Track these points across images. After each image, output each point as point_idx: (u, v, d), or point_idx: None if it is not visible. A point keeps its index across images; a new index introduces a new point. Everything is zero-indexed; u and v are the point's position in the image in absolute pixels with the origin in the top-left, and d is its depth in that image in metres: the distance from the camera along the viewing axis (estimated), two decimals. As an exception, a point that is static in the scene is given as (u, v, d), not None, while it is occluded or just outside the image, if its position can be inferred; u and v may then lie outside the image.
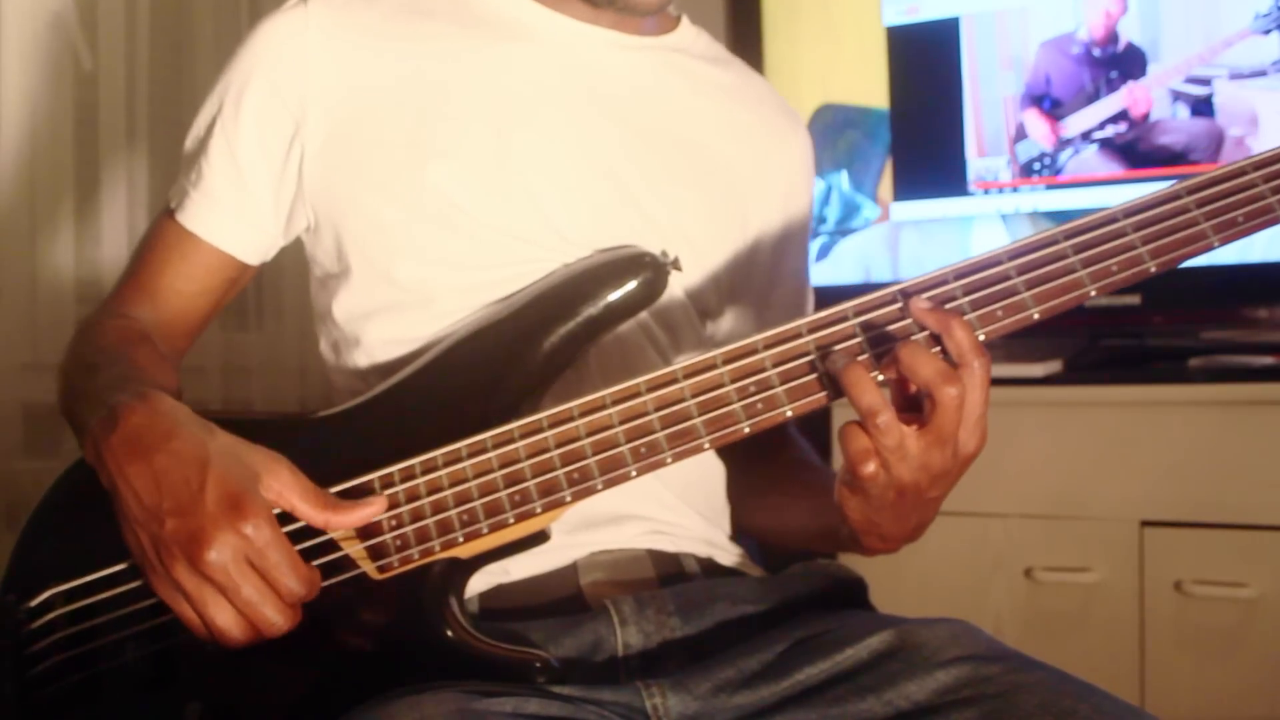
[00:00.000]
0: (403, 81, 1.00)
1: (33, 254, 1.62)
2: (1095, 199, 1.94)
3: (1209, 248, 0.85)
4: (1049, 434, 1.81)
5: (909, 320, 0.84)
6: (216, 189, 1.03)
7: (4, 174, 1.59)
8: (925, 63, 2.05)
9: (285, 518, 0.85)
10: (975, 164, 2.02)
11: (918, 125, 2.07)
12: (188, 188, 1.04)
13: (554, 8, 1.05)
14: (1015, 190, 2.00)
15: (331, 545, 0.87)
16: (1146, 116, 1.90)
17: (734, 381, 0.85)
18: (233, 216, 1.03)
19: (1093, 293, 0.84)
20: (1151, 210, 0.85)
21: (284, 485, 0.84)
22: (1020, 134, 1.99)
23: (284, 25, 1.01)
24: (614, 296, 0.92)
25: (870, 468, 0.81)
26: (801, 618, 0.92)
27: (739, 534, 1.10)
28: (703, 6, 2.29)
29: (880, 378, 0.83)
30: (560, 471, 0.86)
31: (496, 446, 0.87)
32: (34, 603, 0.90)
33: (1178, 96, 1.88)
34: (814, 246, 2.06)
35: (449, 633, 0.87)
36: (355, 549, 0.87)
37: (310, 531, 0.86)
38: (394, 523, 0.87)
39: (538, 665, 0.86)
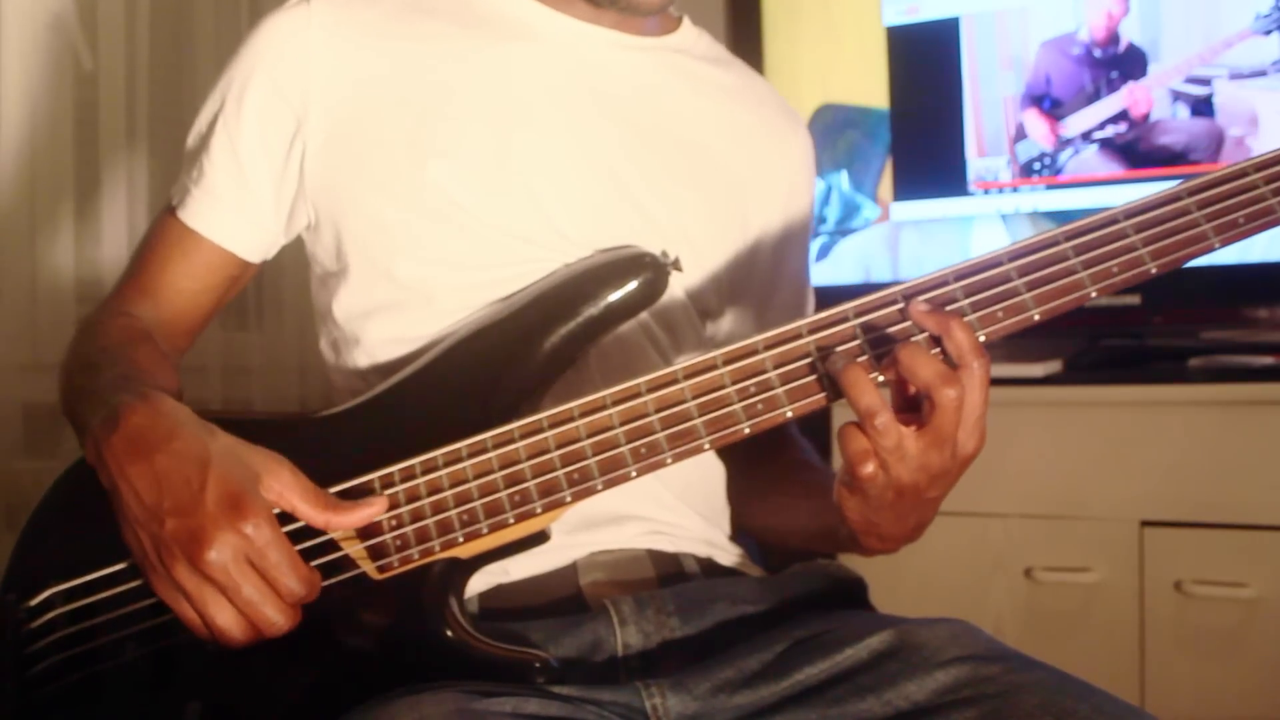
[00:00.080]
0: (404, 80, 1.00)
1: (33, 254, 1.62)
2: (1095, 199, 1.94)
3: (1210, 249, 0.85)
4: (1049, 434, 1.81)
5: (909, 322, 0.84)
6: (218, 186, 1.03)
7: (4, 174, 1.59)
8: (925, 63, 2.05)
9: (285, 518, 0.85)
10: (975, 164, 2.02)
11: (918, 125, 2.07)
12: (189, 185, 1.04)
13: (556, 7, 1.05)
14: (1015, 190, 2.00)
15: (331, 545, 0.87)
16: (1147, 117, 1.90)
17: (734, 382, 0.85)
18: (234, 214, 1.03)
19: (1093, 294, 0.84)
20: (1152, 211, 0.85)
21: (284, 485, 0.84)
22: (1020, 134, 1.99)
23: (286, 23, 1.01)
24: (614, 297, 0.92)
25: (869, 468, 0.81)
26: (801, 618, 0.92)
27: (739, 534, 1.10)
28: (703, 6, 2.29)
29: (880, 379, 0.83)
30: (560, 472, 0.86)
31: (497, 446, 0.87)
32: (34, 602, 0.90)
33: (1178, 96, 1.88)
34: (814, 246, 2.06)
35: (449, 633, 0.87)
36: (355, 549, 0.87)
37: (310, 531, 0.86)
38: (394, 523, 0.87)
39: (537, 665, 0.86)
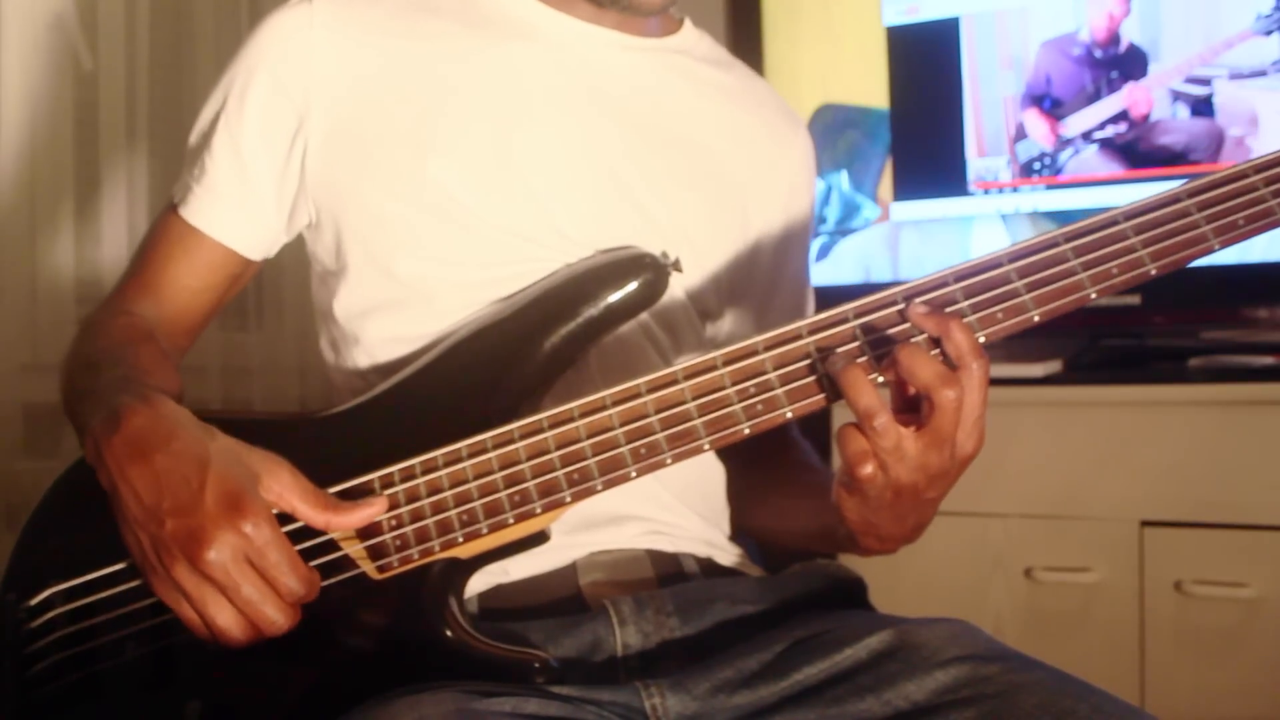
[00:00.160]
0: (406, 78, 1.01)
1: (33, 254, 1.61)
2: (1095, 199, 1.94)
3: (1209, 250, 0.85)
4: (1049, 434, 1.81)
5: (909, 323, 0.84)
6: (220, 184, 1.03)
7: (4, 174, 1.59)
8: (925, 63, 2.05)
9: (285, 518, 0.85)
10: (975, 164, 2.02)
11: (918, 125, 2.07)
12: (191, 183, 1.04)
13: (558, 7, 1.05)
14: (1015, 190, 2.00)
15: (331, 545, 0.87)
16: (1147, 117, 1.90)
17: (734, 383, 0.85)
18: (236, 211, 1.03)
19: (1093, 295, 0.84)
20: (1152, 213, 0.85)
21: (284, 486, 0.84)
22: (1020, 134, 1.99)
23: (289, 21, 1.02)
24: (614, 297, 0.92)
25: (868, 469, 0.81)
26: (800, 618, 0.92)
27: (738, 534, 1.10)
28: (703, 7, 2.29)
29: (880, 380, 0.83)
30: (560, 472, 0.86)
31: (497, 447, 0.87)
32: (34, 602, 0.90)
33: (1178, 96, 1.88)
34: (814, 246, 2.06)
35: (448, 633, 0.87)
36: (355, 549, 0.87)
37: (310, 532, 0.86)
38: (394, 523, 0.87)
39: (537, 665, 0.87)
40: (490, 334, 0.94)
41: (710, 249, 1.07)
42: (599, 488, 0.86)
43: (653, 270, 0.92)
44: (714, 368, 0.85)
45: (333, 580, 0.87)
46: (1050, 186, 1.98)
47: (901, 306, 0.84)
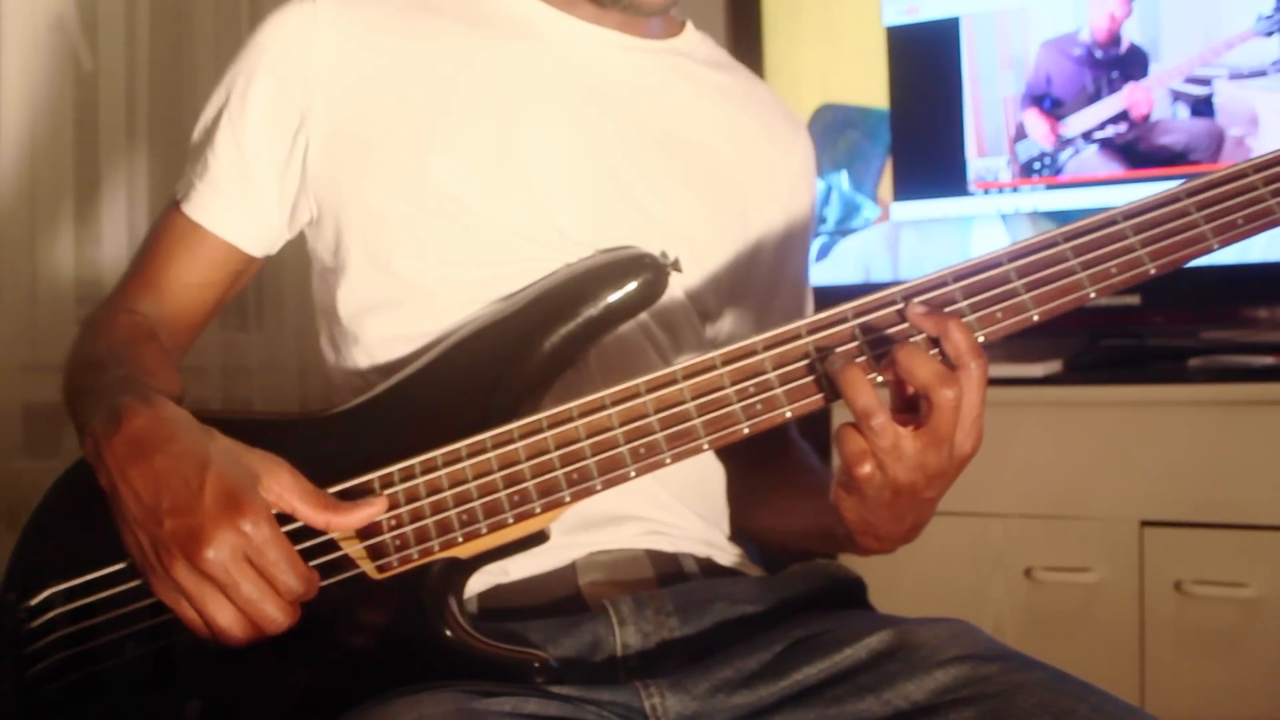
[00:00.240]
0: (408, 76, 1.01)
1: (33, 254, 1.62)
2: (1095, 199, 1.94)
3: (1208, 250, 0.85)
4: (1049, 434, 1.81)
5: (908, 323, 0.84)
6: (222, 180, 1.03)
7: (4, 174, 1.59)
8: (925, 63, 2.05)
9: (284, 519, 0.85)
10: (975, 164, 2.02)
11: (918, 125, 2.07)
12: (194, 179, 1.05)
13: (561, 8, 1.05)
14: (1015, 190, 2.00)
15: (331, 545, 0.87)
16: (1147, 117, 1.90)
17: (733, 383, 0.85)
18: (238, 208, 1.04)
19: (1092, 294, 0.84)
20: (1151, 212, 0.85)
21: (284, 487, 0.84)
22: (1020, 134, 1.99)
23: (292, 19, 1.02)
24: (614, 298, 0.92)
25: (866, 469, 0.81)
26: (800, 618, 0.92)
27: (738, 535, 1.10)
28: (703, 7, 2.29)
29: (879, 379, 0.83)
30: (559, 472, 0.86)
31: (496, 447, 0.87)
32: (34, 602, 0.91)
33: (1178, 97, 1.88)
34: (814, 247, 2.06)
35: (448, 632, 0.87)
36: (354, 549, 0.87)
37: (309, 531, 0.86)
38: (393, 523, 0.87)
39: (536, 665, 0.86)
40: (490, 334, 0.94)
41: (710, 249, 1.07)
42: (598, 487, 0.86)
43: (652, 270, 0.92)
44: (713, 367, 0.85)
45: (332, 580, 0.87)
46: (1050, 186, 1.98)
47: (900, 306, 0.84)
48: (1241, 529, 1.68)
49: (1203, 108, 1.86)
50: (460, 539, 0.87)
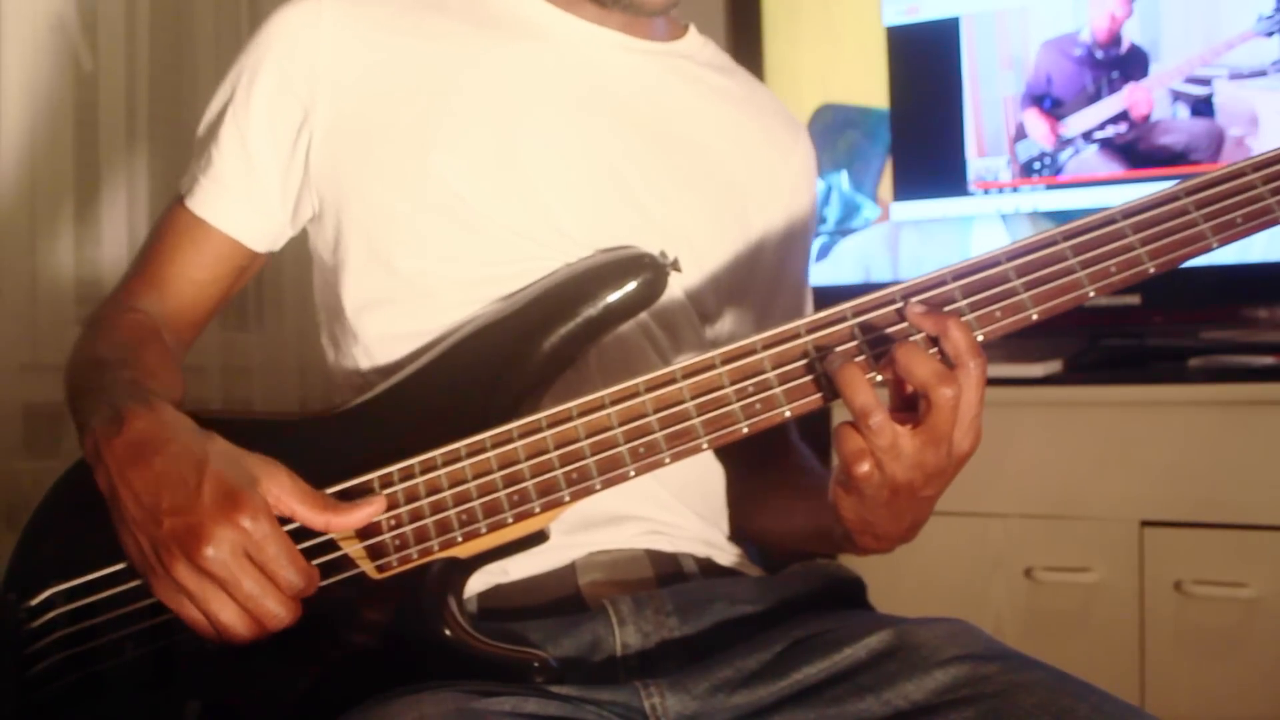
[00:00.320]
0: (411, 75, 1.01)
1: (33, 254, 1.62)
2: (1095, 199, 1.94)
3: (1208, 249, 0.85)
4: (1049, 434, 1.81)
5: (907, 322, 0.84)
6: (226, 175, 1.04)
7: (4, 174, 1.59)
8: (925, 63, 2.05)
9: (283, 521, 0.85)
10: (975, 164, 2.02)
11: (918, 125, 2.07)
12: (198, 174, 1.05)
13: (564, 8, 1.05)
14: (1015, 190, 2.00)
15: (330, 545, 0.87)
16: (1147, 117, 1.90)
17: (733, 382, 0.85)
18: (242, 203, 1.04)
19: (1091, 293, 0.84)
20: (1150, 211, 0.85)
21: (282, 490, 0.84)
22: (1020, 134, 1.99)
23: (297, 15, 1.02)
24: (613, 297, 0.92)
25: (864, 468, 0.81)
26: (800, 618, 0.92)
27: (737, 536, 1.10)
28: (703, 7, 2.29)
29: (878, 378, 0.83)
30: (559, 472, 0.86)
31: (495, 446, 0.87)
32: (34, 602, 0.91)
33: (1178, 97, 1.88)
34: (814, 247, 2.06)
35: (447, 632, 0.87)
36: (354, 548, 0.87)
37: (309, 531, 0.86)
38: (393, 523, 0.87)
39: (536, 665, 0.86)
40: (489, 334, 0.94)
41: (710, 249, 1.07)
42: (598, 487, 0.86)
43: (652, 270, 0.92)
44: (712, 367, 0.85)
45: (332, 580, 0.87)
46: (1050, 186, 1.98)
47: (899, 305, 0.84)
48: (1241, 529, 1.68)
49: (1203, 108, 1.86)
50: (460, 539, 0.87)
